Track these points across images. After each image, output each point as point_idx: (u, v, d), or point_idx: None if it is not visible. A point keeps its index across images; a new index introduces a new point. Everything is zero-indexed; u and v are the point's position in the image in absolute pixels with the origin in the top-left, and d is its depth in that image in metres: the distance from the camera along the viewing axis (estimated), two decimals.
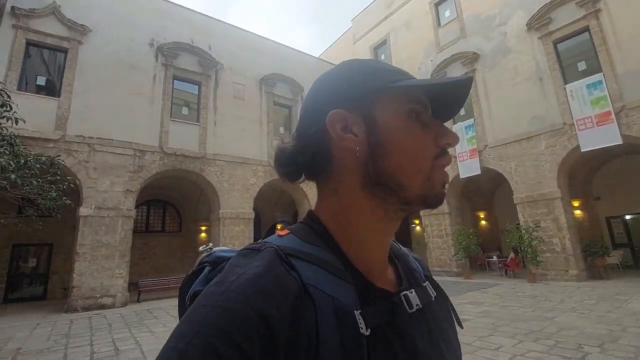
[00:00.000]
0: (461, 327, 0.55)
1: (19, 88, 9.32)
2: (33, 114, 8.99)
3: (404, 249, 0.58)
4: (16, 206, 5.78)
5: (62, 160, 8.04)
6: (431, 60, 14.66)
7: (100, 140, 10.12)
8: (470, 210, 16.76)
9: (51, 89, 9.99)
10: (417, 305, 0.45)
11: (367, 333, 0.37)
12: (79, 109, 9.93)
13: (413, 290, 0.47)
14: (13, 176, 4.23)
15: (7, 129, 4.63)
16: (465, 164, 12.75)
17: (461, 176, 12.86)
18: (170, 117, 11.61)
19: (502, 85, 12.05)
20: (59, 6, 10.07)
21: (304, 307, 0.36)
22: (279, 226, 0.47)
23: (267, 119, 13.84)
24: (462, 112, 13.50)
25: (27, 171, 4.95)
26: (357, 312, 0.38)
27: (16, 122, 4.55)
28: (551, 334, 5.04)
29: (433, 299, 0.50)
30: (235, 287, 0.34)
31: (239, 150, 12.75)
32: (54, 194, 5.36)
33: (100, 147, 10.10)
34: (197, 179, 12.32)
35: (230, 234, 12.07)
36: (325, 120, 0.45)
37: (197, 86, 12.55)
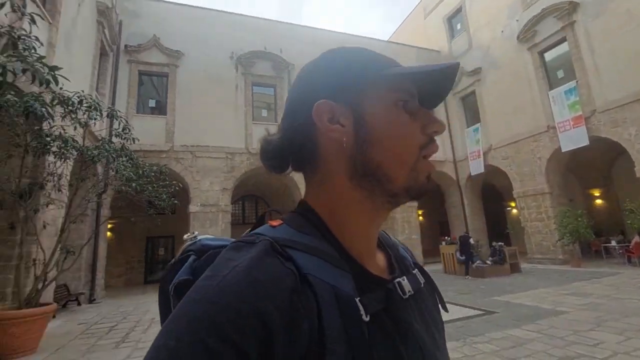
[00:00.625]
0: (446, 311, 0.55)
1: (137, 111, 11.54)
2: (149, 131, 11.09)
3: (393, 238, 0.59)
4: (143, 207, 7.34)
5: (169, 168, 9.77)
6: (517, 21, 12.87)
7: (199, 147, 11.85)
8: (580, 188, 14.38)
9: (160, 109, 12.07)
10: (409, 291, 0.46)
11: (367, 319, 0.38)
12: (181, 122, 11.78)
13: (405, 277, 0.47)
14: (134, 184, 5.46)
15: (128, 147, 5.94)
16: (567, 135, 10.98)
17: (563, 149, 11.13)
18: (252, 120, 12.85)
19: (612, 35, 9.92)
20: (159, 38, 12.02)
21: (302, 298, 0.35)
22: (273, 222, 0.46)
23: None
24: (560, 74, 11.60)
25: (145, 179, 6.28)
26: (357, 300, 0.38)
27: (133, 141, 5.85)
28: None
29: (422, 285, 0.51)
30: (227, 281, 0.33)
31: None
32: (165, 196, 6.64)
33: (200, 154, 11.83)
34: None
35: None
36: (311, 111, 0.45)
37: (272, 89, 13.55)
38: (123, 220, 11.87)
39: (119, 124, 5.99)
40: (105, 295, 10.28)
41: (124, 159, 6.11)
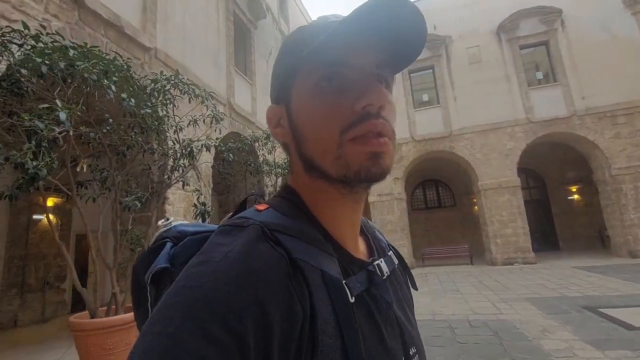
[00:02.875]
0: (416, 289, 0.57)
1: None
2: None
3: (370, 222, 0.59)
4: None
5: None
6: None
7: None
8: None
9: None
10: (386, 272, 0.47)
11: (353, 301, 0.38)
12: None
13: (382, 259, 0.48)
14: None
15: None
16: None
17: None
18: (414, 108, 13.10)
19: None
20: None
21: (294, 282, 0.35)
22: (260, 207, 0.44)
23: (515, 69, 11.98)
24: None
25: None
26: (343, 282, 0.39)
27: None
28: None
29: (396, 266, 0.53)
30: (222, 267, 0.33)
31: (487, 117, 12.03)
32: None
33: None
34: (449, 156, 12.95)
35: (495, 204, 11.69)
36: None
37: (430, 70, 13.22)
38: None
39: None
40: None
41: None
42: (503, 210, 11.50)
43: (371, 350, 0.38)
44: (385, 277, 0.46)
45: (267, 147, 7.69)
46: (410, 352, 0.44)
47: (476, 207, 14.72)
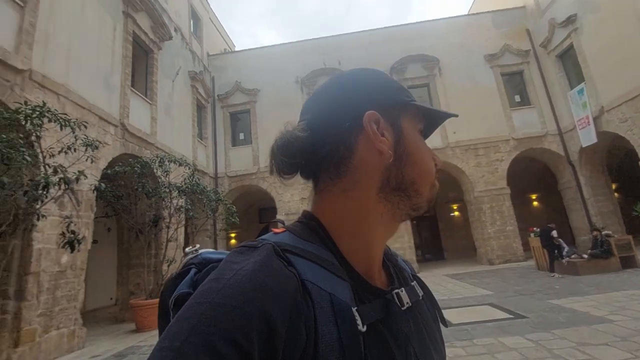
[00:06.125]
0: (445, 326, 0.56)
1: (232, 145, 14.56)
2: (241, 159, 13.91)
3: (392, 250, 0.59)
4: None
5: (258, 187, 12.05)
6: None
7: None
8: None
9: (248, 140, 14.80)
10: (407, 303, 0.46)
11: (364, 330, 0.38)
12: (263, 147, 14.17)
13: (403, 288, 0.47)
14: (190, 213, 7.81)
15: (197, 185, 8.30)
16: None
17: None
18: None
19: None
20: (240, 82, 14.79)
21: (302, 303, 0.35)
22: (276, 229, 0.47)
23: None
24: None
25: (212, 203, 8.64)
26: (354, 309, 0.38)
27: (198, 180, 8.30)
28: None
29: (421, 297, 0.51)
30: (232, 283, 0.33)
31: None
32: (224, 216, 8.80)
33: None
34: None
35: None
36: (359, 118, 0.46)
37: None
38: (243, 231, 15.32)
39: (190, 169, 8.45)
40: None
41: (191, 195, 8.50)
42: None
43: None
44: (405, 308, 0.45)
45: (162, 169, 7.73)
46: None
47: None
